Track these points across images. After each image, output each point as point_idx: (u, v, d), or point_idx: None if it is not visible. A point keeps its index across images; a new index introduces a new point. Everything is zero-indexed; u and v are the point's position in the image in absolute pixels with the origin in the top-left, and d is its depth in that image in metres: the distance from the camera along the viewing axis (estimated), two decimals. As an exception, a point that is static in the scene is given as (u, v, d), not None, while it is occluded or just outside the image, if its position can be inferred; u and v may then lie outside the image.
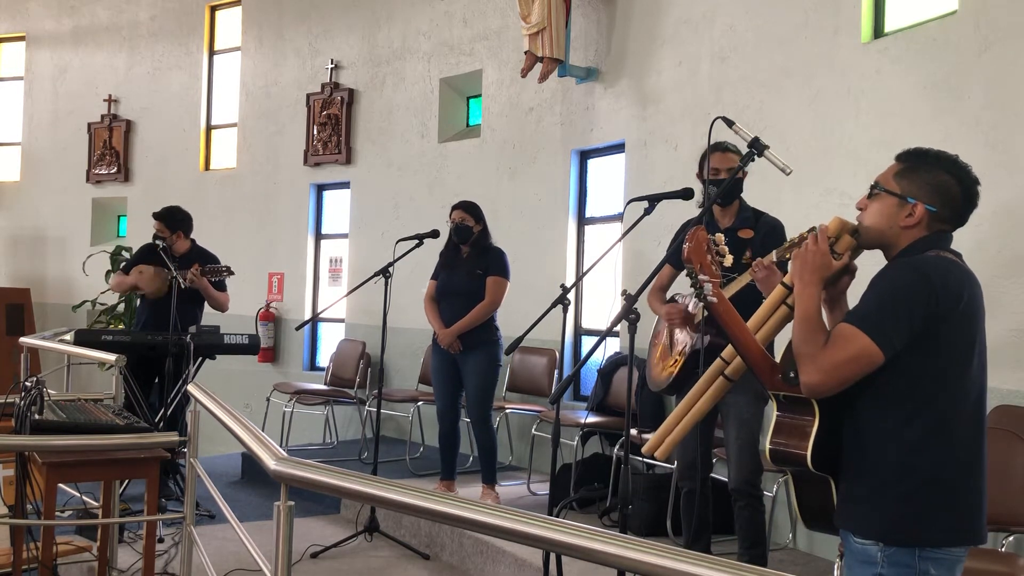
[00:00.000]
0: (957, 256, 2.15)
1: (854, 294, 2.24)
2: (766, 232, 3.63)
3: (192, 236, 5.72)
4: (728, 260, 2.37)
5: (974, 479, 2.10)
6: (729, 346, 2.38)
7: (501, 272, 5.16)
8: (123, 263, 6.19)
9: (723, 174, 3.62)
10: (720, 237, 2.39)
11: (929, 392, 2.06)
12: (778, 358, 2.26)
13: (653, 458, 2.58)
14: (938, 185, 2.13)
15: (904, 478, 2.06)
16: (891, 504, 2.06)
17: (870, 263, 2.25)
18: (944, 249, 2.14)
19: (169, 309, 5.18)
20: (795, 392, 2.15)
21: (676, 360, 3.71)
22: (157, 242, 5.39)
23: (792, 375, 2.13)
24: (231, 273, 5.48)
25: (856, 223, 2.22)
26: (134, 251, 6.17)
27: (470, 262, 5.18)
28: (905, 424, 2.06)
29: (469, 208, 5.23)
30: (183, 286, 5.17)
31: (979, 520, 2.10)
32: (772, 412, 2.22)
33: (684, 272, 3.94)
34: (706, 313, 3.16)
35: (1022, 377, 3.70)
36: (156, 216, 5.62)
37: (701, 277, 2.26)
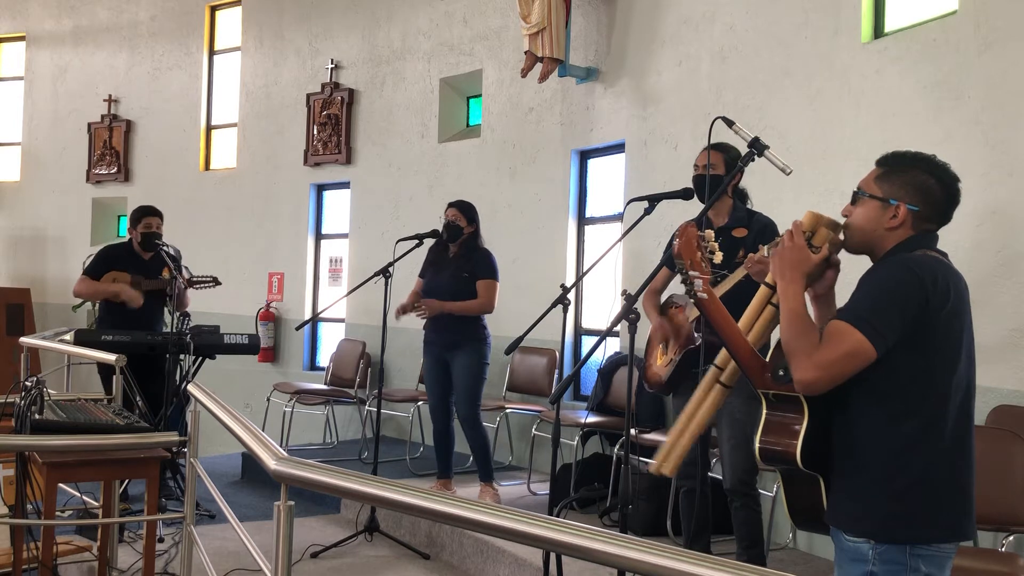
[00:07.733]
0: (943, 255, 2.18)
1: (842, 294, 2.23)
2: (759, 231, 3.62)
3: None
4: (718, 257, 2.37)
5: (964, 476, 2.11)
6: (722, 353, 2.37)
7: (490, 274, 5.14)
8: (86, 264, 5.79)
9: (700, 170, 3.60)
10: (710, 233, 2.39)
11: (919, 390, 2.07)
12: (768, 356, 2.25)
13: (661, 475, 2.54)
14: (918, 185, 2.16)
15: (896, 476, 2.07)
16: (883, 502, 2.07)
17: (860, 262, 2.25)
18: (931, 248, 2.17)
19: (122, 310, 5.34)
20: (784, 390, 2.14)
21: (671, 360, 3.71)
22: (164, 245, 5.45)
23: (782, 373, 2.13)
24: (218, 283, 5.63)
25: (830, 217, 2.23)
26: (96, 255, 5.78)
27: (456, 263, 5.16)
28: (896, 422, 2.07)
29: (463, 208, 5.21)
30: (183, 287, 5.20)
31: (969, 517, 2.12)
32: (761, 411, 2.22)
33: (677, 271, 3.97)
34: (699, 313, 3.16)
35: (1022, 377, 3.70)
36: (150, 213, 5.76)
37: (692, 273, 2.25)
